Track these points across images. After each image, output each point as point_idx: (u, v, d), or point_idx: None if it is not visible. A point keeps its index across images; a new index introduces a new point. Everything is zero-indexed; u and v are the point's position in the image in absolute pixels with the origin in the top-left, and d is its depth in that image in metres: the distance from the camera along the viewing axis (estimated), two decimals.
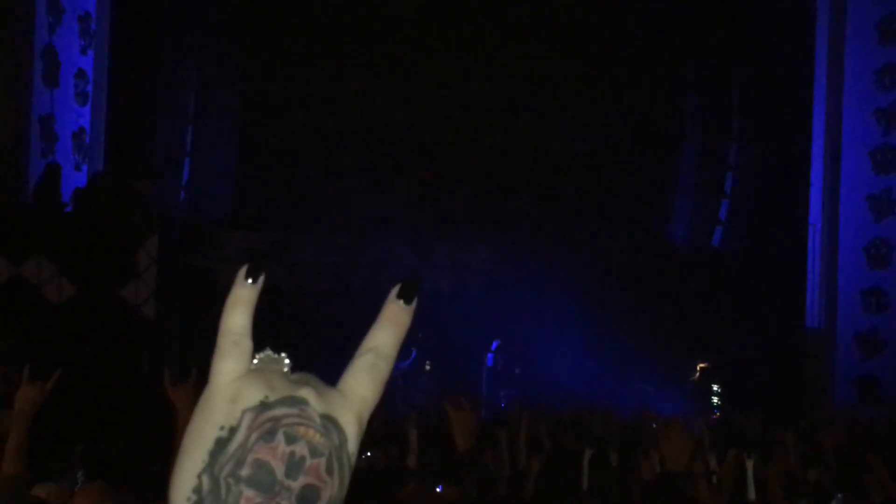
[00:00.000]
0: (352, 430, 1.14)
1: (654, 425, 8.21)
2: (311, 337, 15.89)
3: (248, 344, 1.15)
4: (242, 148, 17.39)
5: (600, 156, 18.00)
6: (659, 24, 17.91)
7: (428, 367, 16.55)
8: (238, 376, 1.13)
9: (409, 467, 7.27)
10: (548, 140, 17.91)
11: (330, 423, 1.12)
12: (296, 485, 1.10)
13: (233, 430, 1.10)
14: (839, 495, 6.72)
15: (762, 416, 11.79)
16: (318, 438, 1.11)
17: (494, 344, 16.90)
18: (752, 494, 6.44)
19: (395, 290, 1.23)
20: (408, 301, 1.21)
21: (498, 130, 17.71)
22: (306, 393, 1.13)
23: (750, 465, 6.54)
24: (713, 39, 18.75)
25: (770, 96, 18.31)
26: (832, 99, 17.29)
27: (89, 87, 14.98)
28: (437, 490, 6.16)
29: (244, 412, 1.11)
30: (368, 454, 8.25)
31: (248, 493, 1.09)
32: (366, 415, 1.16)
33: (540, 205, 18.20)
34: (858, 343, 16.93)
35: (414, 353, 16.32)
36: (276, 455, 1.10)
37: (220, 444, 1.10)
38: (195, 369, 3.77)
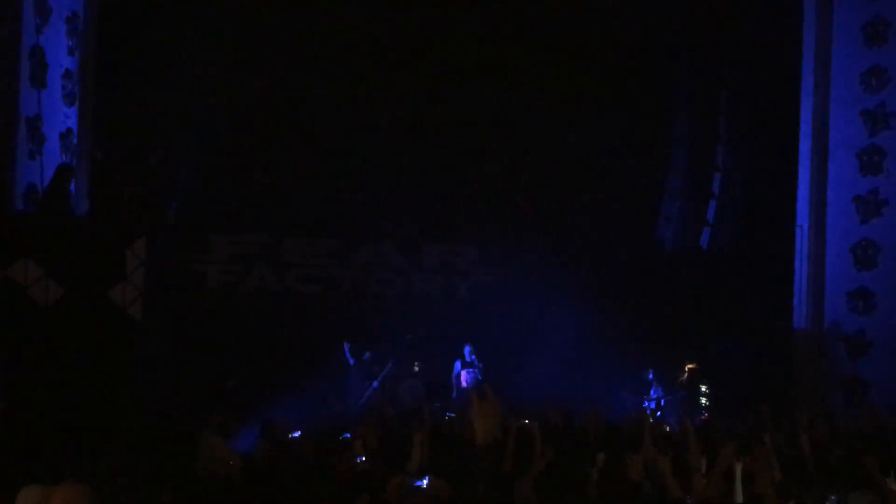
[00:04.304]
0: None
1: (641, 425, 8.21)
2: (300, 338, 15.87)
3: None
4: (231, 150, 17.32)
5: (589, 158, 18.04)
6: (647, 26, 17.95)
7: (417, 369, 16.52)
8: None
9: (408, 472, 7.22)
10: (536, 143, 17.94)
11: None
12: None
13: None
14: (833, 497, 6.71)
15: (749, 417, 11.82)
16: None
17: None
18: (739, 497, 6.45)
19: None
20: None
21: (486, 134, 17.73)
22: None
23: (739, 467, 6.55)
24: (701, 42, 18.80)
25: (757, 98, 18.36)
26: (819, 101, 17.34)
27: (77, 88, 14.89)
28: (423, 484, 6.12)
29: None
30: (363, 459, 8.21)
31: None
32: None
33: (528, 207, 18.21)
34: (845, 344, 16.97)
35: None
36: None
37: None
38: None
